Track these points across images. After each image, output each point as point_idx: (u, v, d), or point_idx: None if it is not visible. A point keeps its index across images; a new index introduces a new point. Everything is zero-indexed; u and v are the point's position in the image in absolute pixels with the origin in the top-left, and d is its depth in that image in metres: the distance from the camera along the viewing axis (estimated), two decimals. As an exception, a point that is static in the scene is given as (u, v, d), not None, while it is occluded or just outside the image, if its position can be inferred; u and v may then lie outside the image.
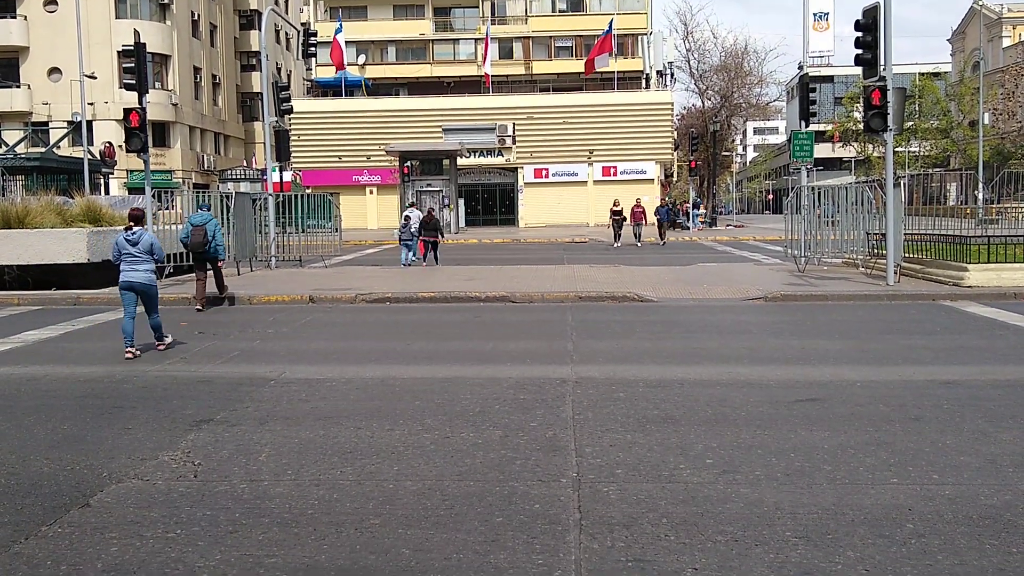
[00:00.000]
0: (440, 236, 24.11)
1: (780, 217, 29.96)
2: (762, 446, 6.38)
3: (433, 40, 64.72)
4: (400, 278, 19.72)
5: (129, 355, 10.51)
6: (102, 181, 42.95)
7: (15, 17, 52.80)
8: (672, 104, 56.62)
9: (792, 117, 67.53)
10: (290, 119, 38.30)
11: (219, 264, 16.35)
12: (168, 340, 11.26)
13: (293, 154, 40.48)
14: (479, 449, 6.42)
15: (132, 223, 11.11)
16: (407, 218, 24.07)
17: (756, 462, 6.01)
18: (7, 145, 38.32)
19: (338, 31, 54.16)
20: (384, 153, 48.39)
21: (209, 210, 17.64)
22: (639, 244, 32.06)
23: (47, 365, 10.27)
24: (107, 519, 5.15)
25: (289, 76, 70.36)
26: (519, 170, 53.85)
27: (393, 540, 4.77)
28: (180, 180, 53.21)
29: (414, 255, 23.77)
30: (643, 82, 62.50)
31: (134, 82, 17.22)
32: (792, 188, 23.28)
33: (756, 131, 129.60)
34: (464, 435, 6.80)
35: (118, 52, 47.24)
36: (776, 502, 5.23)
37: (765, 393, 8.10)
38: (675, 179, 70.22)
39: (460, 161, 48.24)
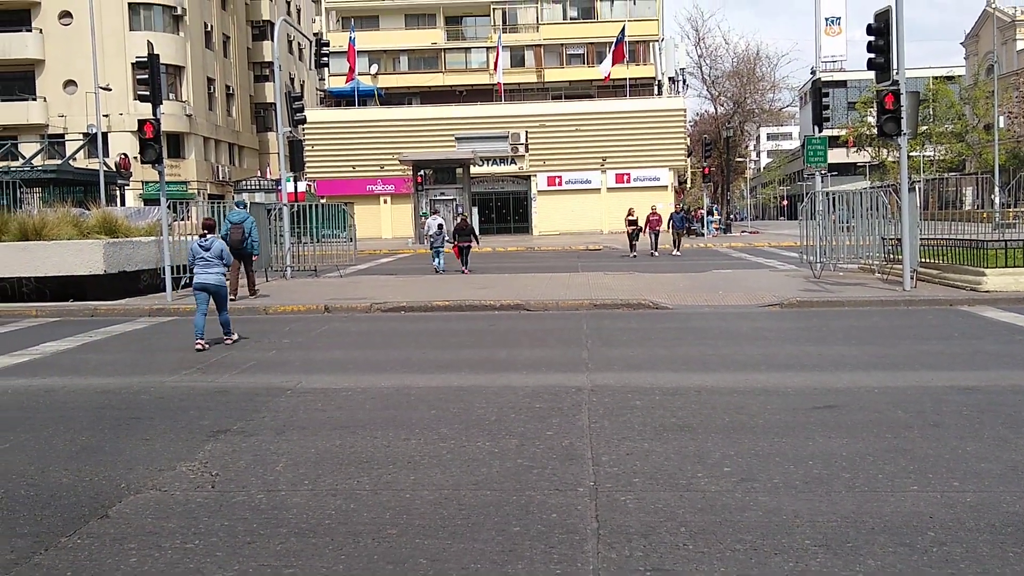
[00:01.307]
0: (475, 241, 25.69)
1: (795, 223, 29.87)
2: (780, 454, 6.35)
3: (445, 49, 64.93)
4: (415, 287, 19.74)
5: (199, 346, 11.67)
6: (118, 192, 43.13)
7: (31, 30, 53.29)
8: (685, 110, 56.62)
9: (805, 122, 67.44)
10: (304, 129, 38.47)
11: (254, 258, 17.93)
12: (235, 337, 12.38)
13: (307, 164, 40.70)
14: (495, 458, 6.41)
15: (205, 231, 12.41)
16: (440, 226, 25.55)
17: (774, 470, 5.98)
18: (24, 157, 38.57)
19: (352, 40, 54.46)
20: (398, 162, 48.53)
21: (246, 208, 18.50)
22: (655, 253, 31.59)
23: (65, 376, 10.32)
24: (126, 530, 5.16)
25: (302, 86, 70.72)
26: (532, 178, 53.89)
27: (411, 550, 4.76)
28: (195, 191, 53.52)
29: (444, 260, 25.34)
30: (655, 89, 62.53)
31: (148, 93, 17.27)
32: (807, 194, 23.20)
33: (769, 137, 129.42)
34: (480, 444, 6.79)
35: (132, 64, 47.69)
36: (795, 510, 5.20)
37: (782, 400, 8.07)
38: (689, 186, 70.15)
39: (473, 170, 48.34)
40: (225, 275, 12.37)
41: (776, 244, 37.88)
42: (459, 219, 26.97)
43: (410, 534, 4.98)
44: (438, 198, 44.20)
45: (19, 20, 53.47)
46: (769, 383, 8.87)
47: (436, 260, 25.34)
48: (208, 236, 12.27)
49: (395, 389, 9.05)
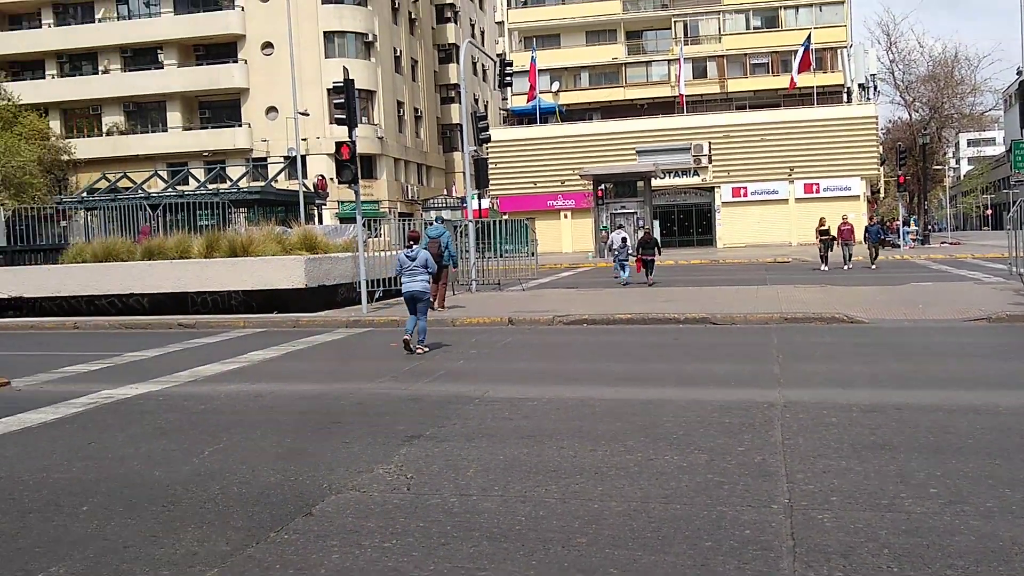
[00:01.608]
0: (658, 253, 26.22)
1: (1000, 233, 27.92)
2: (993, 476, 5.93)
3: (626, 63, 64.88)
4: (597, 300, 19.75)
5: (406, 339, 12.73)
6: (316, 211, 45.57)
7: (236, 62, 57.21)
8: (876, 118, 54.16)
9: (1012, 126, 62.88)
10: (487, 148, 39.38)
11: (451, 271, 19.10)
12: (427, 348, 12.91)
13: (491, 181, 41.56)
14: (684, 472, 6.31)
15: (411, 242, 13.42)
16: (624, 240, 26.46)
17: (987, 493, 5.58)
18: (231, 180, 41.40)
19: (533, 59, 55.43)
20: (578, 177, 48.86)
21: (443, 223, 19.57)
22: (848, 266, 30.01)
23: (271, 383, 10.97)
24: (328, 528, 5.42)
25: (486, 106, 72.43)
26: (716, 189, 52.91)
27: (600, 560, 4.76)
28: (386, 210, 55.76)
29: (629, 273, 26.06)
30: (844, 96, 60.12)
31: (344, 117, 18.11)
32: (1014, 202, 21.62)
33: (970, 143, 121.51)
34: (668, 458, 6.71)
35: (328, 90, 50.20)
36: (1013, 537, 4.84)
37: (993, 420, 7.53)
38: (882, 195, 66.85)
39: (654, 182, 47.93)
40: (429, 282, 13.17)
41: (979, 256, 35.49)
42: (642, 232, 28.03)
43: (599, 544, 4.98)
44: (618, 211, 44.14)
45: (227, 53, 57.58)
46: (977, 401, 8.30)
47: (622, 273, 26.03)
48: (414, 247, 13.14)
49: (580, 401, 9.09)
